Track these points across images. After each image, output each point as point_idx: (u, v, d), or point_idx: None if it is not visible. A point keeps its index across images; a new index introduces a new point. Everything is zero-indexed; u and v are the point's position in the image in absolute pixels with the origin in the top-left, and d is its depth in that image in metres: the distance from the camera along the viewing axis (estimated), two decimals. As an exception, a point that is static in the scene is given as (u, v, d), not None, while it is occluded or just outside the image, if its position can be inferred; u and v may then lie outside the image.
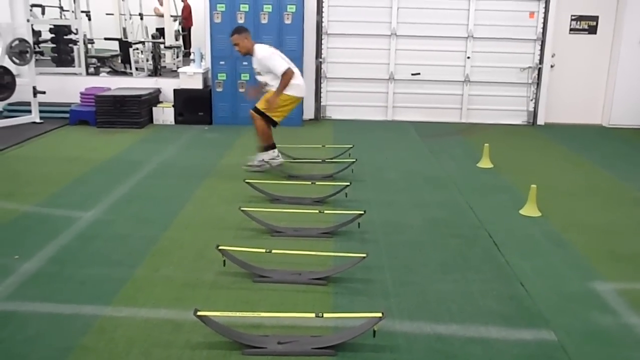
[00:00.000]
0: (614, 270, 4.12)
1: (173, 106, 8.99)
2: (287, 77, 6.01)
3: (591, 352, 3.09)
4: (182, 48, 13.24)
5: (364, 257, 3.85)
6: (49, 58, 11.57)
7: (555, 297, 3.68)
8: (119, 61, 11.93)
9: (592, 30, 9.57)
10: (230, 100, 8.99)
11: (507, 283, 3.87)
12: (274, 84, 6.09)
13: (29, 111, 8.64)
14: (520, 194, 5.57)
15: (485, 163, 6.85)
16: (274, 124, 6.27)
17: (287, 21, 8.68)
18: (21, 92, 8.45)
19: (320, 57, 9.51)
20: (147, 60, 11.44)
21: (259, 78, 6.27)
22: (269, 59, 6.09)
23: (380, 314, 3.02)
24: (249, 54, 6.22)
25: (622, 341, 3.21)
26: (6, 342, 3.04)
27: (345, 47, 9.48)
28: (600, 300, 3.66)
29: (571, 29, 9.57)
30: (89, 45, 11.83)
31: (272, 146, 6.31)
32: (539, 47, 9.52)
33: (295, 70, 6.18)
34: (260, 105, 6.19)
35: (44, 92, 8.66)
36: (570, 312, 3.50)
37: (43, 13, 11.94)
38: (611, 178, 6.58)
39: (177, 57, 12.42)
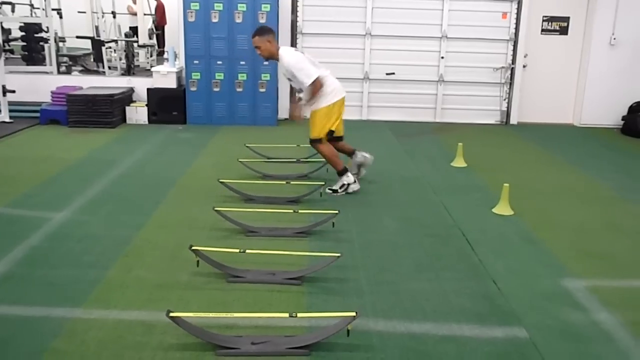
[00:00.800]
0: (585, 267, 4.18)
1: (146, 105, 8.91)
2: (314, 89, 5.43)
3: (562, 349, 3.13)
4: (156, 47, 13.11)
5: (338, 257, 3.85)
6: (19, 56, 11.39)
7: (527, 295, 3.72)
8: (92, 60, 11.76)
9: (564, 31, 9.71)
10: (205, 100, 8.93)
11: (480, 281, 3.90)
12: (306, 94, 5.61)
13: (-1, 110, 8.49)
14: (493, 193, 5.63)
15: (459, 162, 6.90)
16: (337, 138, 5.78)
17: (262, 20, 8.63)
18: (-10, 91, 8.30)
19: (295, 57, 9.49)
20: (120, 59, 11.30)
21: (293, 85, 5.85)
22: (294, 66, 5.42)
23: (354, 313, 3.02)
24: (272, 58, 5.62)
25: (592, 337, 3.25)
26: (-26, 346, 2.98)
27: (320, 47, 9.47)
28: (571, 297, 3.71)
29: (543, 30, 9.71)
30: (61, 44, 11.65)
31: (345, 169, 5.68)
32: (512, 48, 9.64)
33: (326, 74, 5.54)
34: (312, 133, 5.64)
35: (13, 91, 8.52)
36: (541, 310, 3.54)
37: (13, 11, 11.76)
38: (583, 177, 6.68)
39: (151, 56, 12.29)
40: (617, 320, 3.43)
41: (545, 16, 9.63)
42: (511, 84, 9.74)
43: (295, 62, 5.43)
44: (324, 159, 6.19)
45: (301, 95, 5.74)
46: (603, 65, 9.59)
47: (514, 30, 9.56)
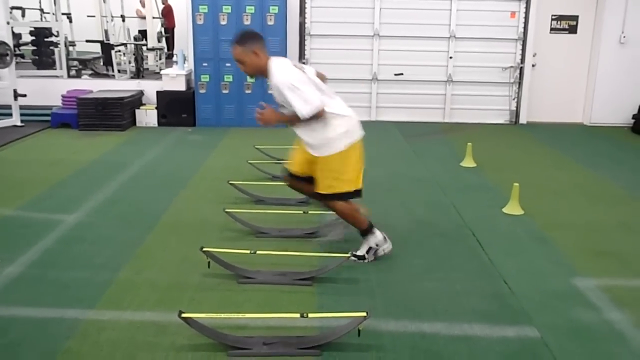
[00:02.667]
0: (596, 266, 4.16)
1: (156, 108, 8.95)
2: (314, 119, 3.86)
3: (574, 348, 3.12)
4: (165, 50, 13.19)
5: (348, 257, 3.86)
6: (30, 61, 11.50)
7: (538, 295, 3.71)
8: (101, 63, 11.86)
9: (573, 29, 9.67)
10: (214, 102, 8.97)
11: (490, 281, 3.90)
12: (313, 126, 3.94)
13: (10, 114, 8.55)
14: (503, 193, 5.61)
15: (468, 162, 6.89)
16: (355, 194, 4.12)
17: (270, 22, 8.67)
18: (2, 95, 8.39)
19: (304, 59, 9.51)
20: (130, 63, 11.38)
21: (283, 111, 4.02)
22: (288, 85, 3.78)
23: (364, 314, 3.03)
24: (260, 74, 3.97)
25: (604, 337, 3.24)
26: (-12, 347, 3.01)
27: (329, 48, 9.50)
28: (583, 296, 3.70)
29: (552, 29, 9.67)
30: (70, 48, 11.75)
31: (370, 226, 4.15)
32: (521, 47, 9.60)
33: (334, 103, 3.97)
34: (321, 188, 4.06)
35: (24, 95, 8.58)
36: (552, 309, 3.53)
37: (23, 15, 11.85)
38: (593, 176, 6.65)
39: (160, 59, 12.36)
40: (629, 319, 3.42)
41: (554, 15, 9.59)
42: (520, 83, 9.71)
43: (290, 80, 3.80)
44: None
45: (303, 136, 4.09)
46: (613, 64, 9.54)
47: (522, 30, 9.53)
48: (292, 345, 3.02)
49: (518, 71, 9.66)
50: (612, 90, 9.62)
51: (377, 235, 4.15)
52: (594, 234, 4.83)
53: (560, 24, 9.64)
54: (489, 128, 9.44)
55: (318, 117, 3.84)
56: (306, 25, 9.48)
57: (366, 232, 4.15)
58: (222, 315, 3.18)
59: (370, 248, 4.14)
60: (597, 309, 3.54)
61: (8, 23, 8.72)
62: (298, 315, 3.13)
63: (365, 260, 4.11)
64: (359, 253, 4.13)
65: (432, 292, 3.71)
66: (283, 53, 8.79)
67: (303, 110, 3.77)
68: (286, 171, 4.40)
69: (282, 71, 3.86)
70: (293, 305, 3.48)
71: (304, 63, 9.39)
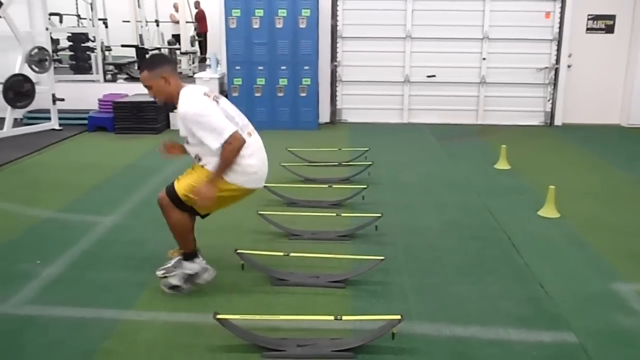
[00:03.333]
0: (634, 270, 4.08)
1: (190, 111, 9.04)
2: (229, 151, 3.38)
3: (612, 354, 3.06)
4: (198, 54, 13.33)
5: (382, 260, 3.85)
6: (67, 66, 11.73)
7: (575, 299, 3.65)
8: (136, 68, 12.02)
9: (610, 29, 9.49)
10: (246, 105, 9.00)
11: (526, 285, 3.85)
12: (211, 159, 3.49)
13: (49, 118, 8.76)
14: (538, 195, 5.54)
15: (502, 164, 6.82)
16: (200, 216, 3.76)
17: (302, 25, 8.71)
18: (40, 100, 8.57)
19: (336, 61, 9.53)
20: (164, 67, 11.51)
21: (188, 148, 3.69)
22: (194, 118, 3.40)
23: (399, 316, 3.02)
24: (171, 102, 3.59)
25: (644, 342, 3.18)
26: (29, 346, 3.08)
27: (360, 50, 9.49)
28: (621, 301, 3.63)
29: (588, 29, 9.51)
30: (106, 53, 11.97)
31: (194, 254, 3.68)
32: (556, 47, 9.47)
33: (251, 138, 3.59)
34: (180, 186, 3.54)
35: (62, 100, 8.77)
36: (590, 314, 3.47)
37: (61, 21, 12.12)
38: (630, 178, 6.51)
39: (193, 62, 12.51)
40: (670, 324, 3.34)
41: (590, 15, 9.43)
42: (555, 84, 9.57)
43: (195, 110, 3.42)
44: (366, 163, 6.17)
45: (202, 163, 3.58)
46: (651, 64, 9.35)
47: (557, 30, 9.39)
48: (326, 348, 3.02)
49: (553, 72, 9.52)
50: (650, 91, 9.41)
51: (195, 265, 3.65)
52: (631, 237, 4.73)
53: (597, 24, 9.48)
54: (524, 130, 9.32)
55: (236, 147, 3.38)
56: (338, 28, 9.49)
57: (188, 256, 3.65)
58: (257, 317, 3.20)
59: (184, 274, 3.66)
60: (636, 314, 3.46)
61: (47, 29, 8.93)
62: (332, 317, 3.13)
63: (166, 273, 3.69)
64: (168, 275, 3.68)
65: (466, 296, 3.68)
66: (315, 55, 8.84)
67: (214, 142, 3.36)
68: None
69: (188, 100, 3.47)
70: (327, 308, 3.49)
71: (335, 65, 9.41)
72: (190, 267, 3.66)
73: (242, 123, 3.63)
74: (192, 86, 3.66)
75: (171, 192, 3.55)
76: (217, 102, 3.56)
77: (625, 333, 3.27)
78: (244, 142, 3.44)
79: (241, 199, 3.71)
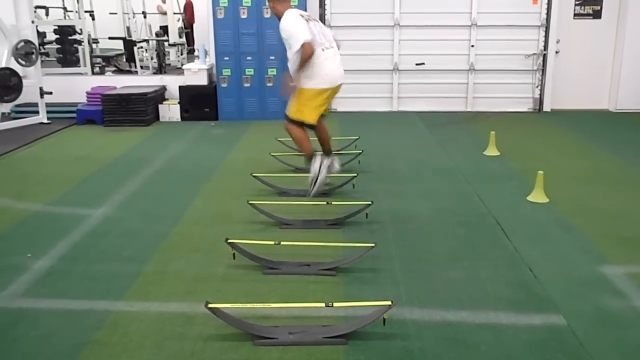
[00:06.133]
0: (622, 254, 4.11)
1: (179, 103, 9.03)
2: (302, 55, 4.84)
3: (601, 336, 3.09)
4: (186, 45, 13.26)
5: (372, 247, 3.86)
6: (55, 59, 11.63)
7: (564, 282, 3.69)
8: (124, 60, 11.97)
9: (597, 14, 9.51)
10: (236, 96, 9.01)
11: (515, 269, 3.88)
12: (293, 68, 5.05)
13: (37, 112, 8.69)
14: (527, 181, 5.57)
15: (491, 151, 6.84)
16: (310, 127, 5.31)
17: (290, 15, 8.67)
18: (28, 94, 8.49)
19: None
20: (152, 58, 11.46)
21: (289, 65, 5.20)
22: (286, 27, 4.97)
23: (389, 303, 3.04)
24: (278, 18, 5.17)
25: (632, 324, 3.21)
26: (21, 339, 3.08)
27: (349, 39, 9.38)
28: (610, 284, 3.67)
29: (575, 14, 9.52)
30: (94, 45, 11.89)
31: (312, 155, 5.29)
32: (544, 34, 9.47)
33: (325, 52, 5.05)
34: (289, 111, 5.23)
35: (50, 93, 8.71)
36: (579, 297, 3.51)
37: (47, 14, 12.00)
38: (618, 163, 6.56)
39: (182, 54, 12.45)
40: (657, 305, 3.39)
41: (578, 0, 9.46)
42: (544, 70, 9.59)
43: (290, 24, 4.96)
44: (356, 151, 6.21)
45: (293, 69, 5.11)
46: (638, 49, 9.37)
47: (545, 16, 9.40)
48: (317, 335, 3.04)
49: (541, 58, 9.54)
50: (638, 76, 9.44)
51: (322, 162, 5.17)
52: (619, 221, 4.77)
53: (584, 9, 9.49)
54: (512, 116, 9.35)
55: (306, 52, 4.80)
56: (326, 17, 9.46)
57: (309, 158, 5.24)
58: (248, 306, 3.21)
59: (316, 172, 5.14)
60: (624, 296, 3.50)
61: (33, 22, 8.84)
62: (323, 304, 3.15)
63: (319, 174, 5.14)
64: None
65: (457, 281, 3.70)
66: (304, 45, 8.80)
67: (295, 44, 4.82)
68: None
69: (286, 18, 5.00)
70: (318, 295, 3.50)
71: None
72: (315, 164, 5.16)
73: (319, 41, 5.02)
74: (293, 10, 5.15)
75: (286, 116, 5.24)
76: (308, 21, 5.02)
77: (613, 315, 3.30)
78: (312, 50, 4.84)
79: (324, 102, 5.20)
